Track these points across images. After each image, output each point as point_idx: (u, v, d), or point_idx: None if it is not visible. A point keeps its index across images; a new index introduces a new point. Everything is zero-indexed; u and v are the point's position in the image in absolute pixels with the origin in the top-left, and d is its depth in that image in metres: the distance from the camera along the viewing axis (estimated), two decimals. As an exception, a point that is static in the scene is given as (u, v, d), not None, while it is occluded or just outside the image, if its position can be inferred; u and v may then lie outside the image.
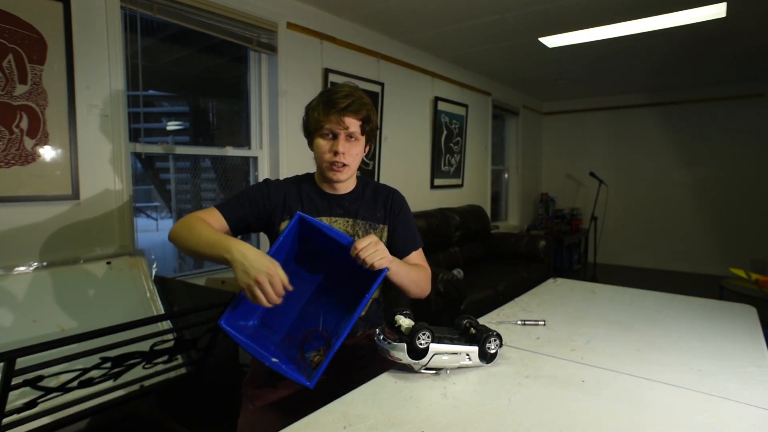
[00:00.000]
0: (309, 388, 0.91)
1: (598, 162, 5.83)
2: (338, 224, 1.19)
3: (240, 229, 1.16)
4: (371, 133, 1.19)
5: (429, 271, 1.28)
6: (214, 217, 1.11)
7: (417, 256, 1.29)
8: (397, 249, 1.25)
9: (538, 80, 4.94)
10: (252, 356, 1.22)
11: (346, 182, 1.21)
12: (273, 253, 1.01)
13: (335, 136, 1.13)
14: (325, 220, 1.17)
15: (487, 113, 4.83)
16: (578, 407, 0.81)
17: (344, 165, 1.14)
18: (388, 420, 0.76)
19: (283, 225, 1.15)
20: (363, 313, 1.22)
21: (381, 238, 1.23)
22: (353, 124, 1.12)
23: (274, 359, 0.95)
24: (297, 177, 1.26)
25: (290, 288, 0.94)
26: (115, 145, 1.90)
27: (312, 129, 1.15)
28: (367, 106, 1.15)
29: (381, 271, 0.98)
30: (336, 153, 1.12)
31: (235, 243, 0.97)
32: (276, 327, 1.08)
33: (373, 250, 0.97)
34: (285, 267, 0.97)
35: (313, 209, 1.18)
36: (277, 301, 0.93)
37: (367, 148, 1.22)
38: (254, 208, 1.15)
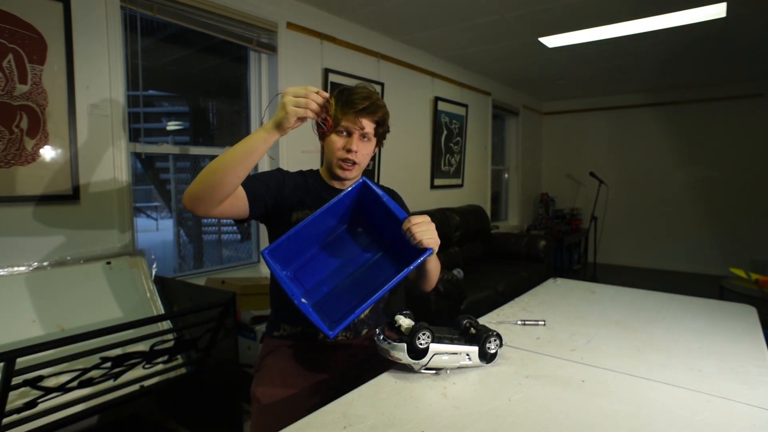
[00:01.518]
0: (329, 337, 0.93)
1: (598, 162, 5.83)
2: None
3: (256, 209, 1.11)
4: (383, 135, 1.23)
5: None
6: None
7: None
8: None
9: (538, 80, 4.94)
10: (259, 356, 1.23)
11: (352, 180, 1.23)
12: (326, 210, 1.01)
13: (349, 134, 1.16)
14: None
15: (487, 113, 4.83)
16: (578, 407, 0.80)
17: (354, 163, 1.17)
18: (388, 420, 0.76)
19: (295, 216, 1.15)
20: (366, 313, 1.22)
21: None
22: (368, 125, 1.16)
23: (303, 300, 0.96)
24: (302, 172, 1.27)
25: (326, 95, 0.97)
26: (115, 145, 1.90)
27: None
28: (383, 109, 1.18)
29: (424, 250, 0.99)
30: (349, 150, 1.15)
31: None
32: (304, 282, 1.08)
33: (425, 228, 0.98)
34: (334, 228, 1.07)
35: (320, 204, 1.17)
36: (320, 99, 0.95)
37: (375, 149, 1.26)
38: (271, 193, 1.14)
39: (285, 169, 1.24)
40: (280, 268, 1.02)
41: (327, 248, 1.10)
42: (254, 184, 1.10)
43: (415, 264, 0.98)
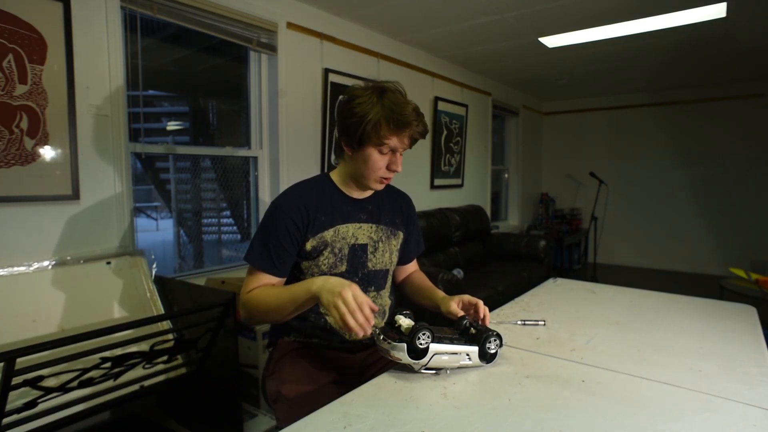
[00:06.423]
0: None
1: (598, 162, 5.83)
2: (362, 230, 1.17)
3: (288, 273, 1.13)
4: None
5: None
6: (266, 282, 1.09)
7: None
8: (407, 254, 1.32)
9: (538, 80, 4.94)
10: (273, 358, 1.20)
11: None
12: None
13: (393, 152, 1.09)
14: (351, 227, 1.15)
15: (487, 113, 4.83)
16: (578, 407, 0.80)
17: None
18: (388, 420, 0.76)
19: (308, 244, 1.11)
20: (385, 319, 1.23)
21: (397, 245, 1.26)
22: (411, 142, 1.11)
23: None
24: (312, 182, 1.18)
25: (376, 308, 0.90)
26: (115, 145, 1.90)
27: (367, 140, 1.07)
28: (425, 123, 1.11)
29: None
30: (393, 170, 1.10)
31: (313, 278, 0.97)
32: None
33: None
34: None
35: (338, 217, 1.15)
36: (363, 321, 0.86)
37: None
38: (291, 249, 1.10)
39: (280, 174, 1.23)
40: None
41: None
42: (276, 260, 1.08)
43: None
